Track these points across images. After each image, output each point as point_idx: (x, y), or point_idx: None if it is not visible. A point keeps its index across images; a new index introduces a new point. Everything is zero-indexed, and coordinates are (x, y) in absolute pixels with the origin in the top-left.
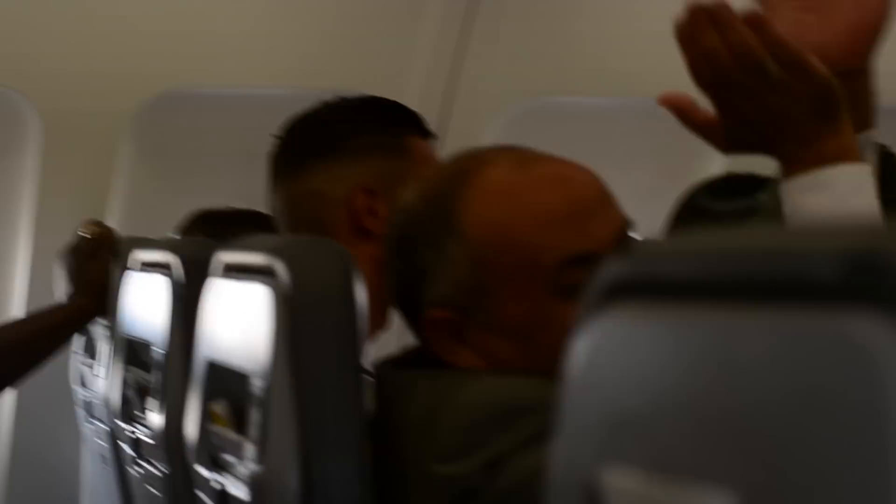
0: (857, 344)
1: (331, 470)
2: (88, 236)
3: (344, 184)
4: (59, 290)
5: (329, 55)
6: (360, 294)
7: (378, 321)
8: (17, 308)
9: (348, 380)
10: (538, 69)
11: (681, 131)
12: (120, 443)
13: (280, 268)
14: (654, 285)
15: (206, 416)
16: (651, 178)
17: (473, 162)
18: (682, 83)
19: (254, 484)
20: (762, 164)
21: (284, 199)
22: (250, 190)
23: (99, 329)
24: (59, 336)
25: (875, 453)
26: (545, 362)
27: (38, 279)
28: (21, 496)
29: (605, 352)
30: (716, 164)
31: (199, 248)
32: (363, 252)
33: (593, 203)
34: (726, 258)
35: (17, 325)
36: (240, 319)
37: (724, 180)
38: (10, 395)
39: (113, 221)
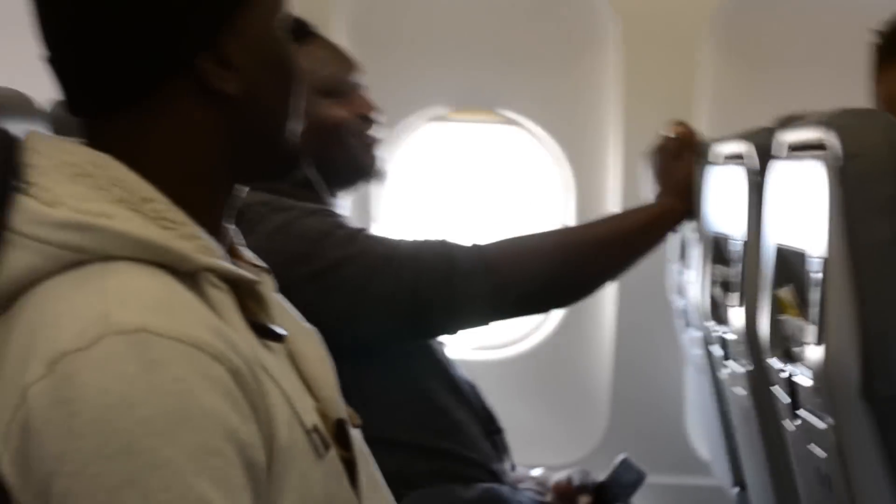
0: None
1: (893, 353)
2: (672, 136)
3: None
4: (646, 190)
5: None
6: None
7: None
8: (611, 206)
9: None
10: None
11: None
12: (710, 345)
13: (833, 140)
14: None
15: (776, 306)
16: None
17: None
18: None
19: (816, 367)
20: None
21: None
22: (832, 91)
23: (690, 234)
24: (651, 234)
25: None
26: None
27: (629, 177)
28: (625, 406)
29: None
30: None
31: (771, 135)
32: None
33: None
34: None
35: (610, 220)
36: (798, 198)
37: None
38: (612, 308)
39: (698, 121)
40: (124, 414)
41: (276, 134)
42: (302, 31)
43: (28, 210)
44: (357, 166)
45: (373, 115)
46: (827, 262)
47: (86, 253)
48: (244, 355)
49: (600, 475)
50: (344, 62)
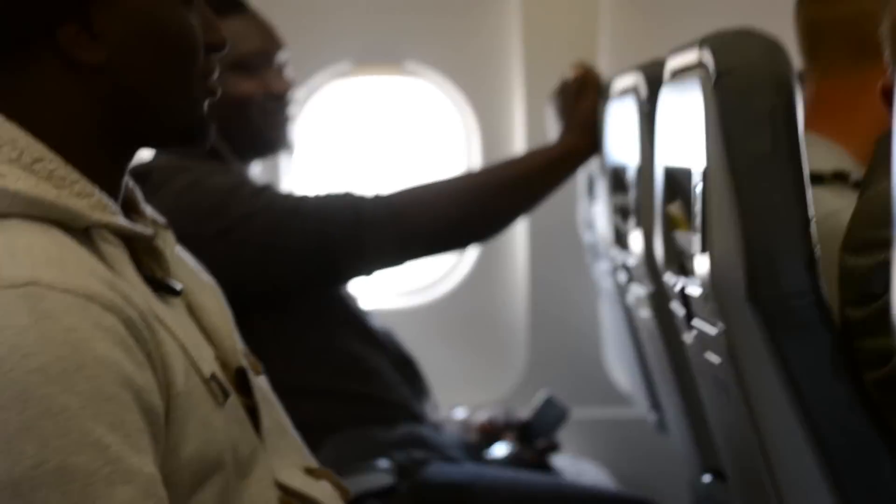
0: None
1: (775, 256)
2: (574, 77)
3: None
4: (552, 131)
5: None
6: (793, 82)
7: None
8: (517, 150)
9: (785, 165)
10: None
11: None
12: (616, 272)
13: (707, 59)
14: None
15: (667, 223)
16: None
17: None
18: None
19: (703, 276)
20: None
21: (820, 20)
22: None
23: (596, 170)
24: (555, 173)
25: None
26: None
27: (534, 119)
28: (544, 343)
29: None
30: None
31: (660, 64)
32: None
33: None
34: None
35: (514, 162)
36: (682, 120)
37: None
38: (524, 246)
39: (601, 62)
40: (18, 364)
41: (158, 105)
42: (226, 3)
43: None
44: (262, 142)
45: (286, 93)
46: (706, 173)
47: None
48: (137, 306)
49: (524, 412)
50: (265, 38)
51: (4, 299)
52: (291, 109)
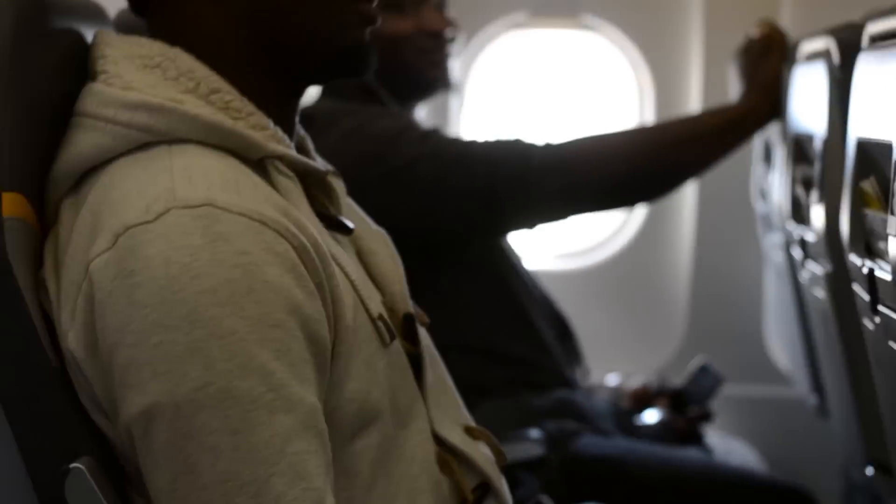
0: None
1: None
2: (759, 36)
3: None
4: (732, 91)
5: None
6: None
7: None
8: (692, 109)
9: None
10: None
11: None
12: (791, 248)
13: None
14: None
15: (857, 200)
16: None
17: None
18: None
19: None
20: None
21: None
22: None
23: (775, 135)
24: (733, 134)
25: None
26: None
27: (711, 79)
28: (704, 313)
29: None
30: None
31: (855, 29)
32: None
33: None
34: None
35: (691, 119)
36: (883, 90)
37: None
38: (691, 214)
39: (783, 20)
40: (187, 284)
41: (303, 27)
42: None
43: (99, 93)
44: (420, 82)
45: (444, 31)
46: None
47: (153, 133)
48: (311, 236)
49: (678, 381)
50: None
51: (180, 220)
52: (450, 48)
